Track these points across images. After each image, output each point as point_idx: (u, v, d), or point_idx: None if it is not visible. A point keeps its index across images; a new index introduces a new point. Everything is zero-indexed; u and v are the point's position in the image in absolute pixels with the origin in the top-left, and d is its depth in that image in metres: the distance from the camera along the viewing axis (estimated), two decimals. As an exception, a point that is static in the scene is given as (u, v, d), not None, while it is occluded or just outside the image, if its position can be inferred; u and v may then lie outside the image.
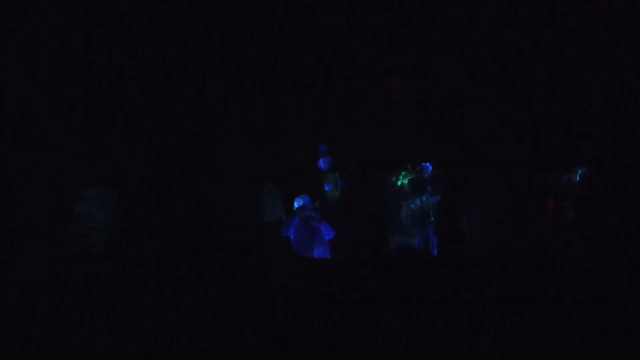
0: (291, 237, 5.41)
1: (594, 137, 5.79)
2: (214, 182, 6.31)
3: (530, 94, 6.27)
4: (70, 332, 3.36)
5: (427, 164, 6.15)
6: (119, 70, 6.11)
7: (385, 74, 6.79)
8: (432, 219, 5.98)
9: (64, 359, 3.19)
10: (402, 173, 6.15)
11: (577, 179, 5.56)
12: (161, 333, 3.36)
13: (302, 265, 4.46)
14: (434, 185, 6.07)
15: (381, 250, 5.94)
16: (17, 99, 5.53)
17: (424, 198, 5.97)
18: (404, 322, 3.41)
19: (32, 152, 5.45)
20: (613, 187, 5.20)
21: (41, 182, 5.38)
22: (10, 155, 5.34)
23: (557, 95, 6.16)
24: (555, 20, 6.09)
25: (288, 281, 4.02)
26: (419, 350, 3.22)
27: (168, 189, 5.96)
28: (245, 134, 6.60)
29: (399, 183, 6.14)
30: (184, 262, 4.57)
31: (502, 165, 6.20)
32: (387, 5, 6.45)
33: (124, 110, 6.11)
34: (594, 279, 3.89)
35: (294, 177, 6.50)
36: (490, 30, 6.29)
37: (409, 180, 6.09)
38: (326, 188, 6.31)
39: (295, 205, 5.62)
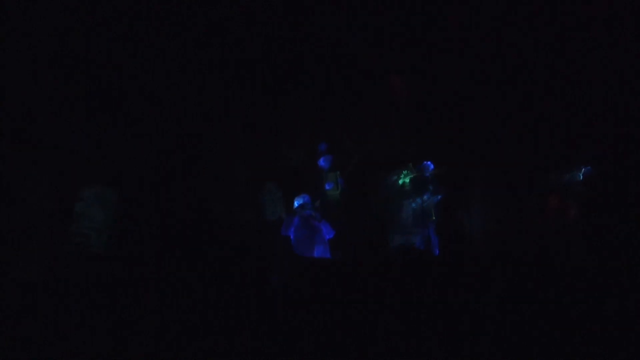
0: (291, 237, 5.40)
1: (594, 137, 5.79)
2: (214, 182, 6.31)
3: (530, 93, 6.27)
4: (70, 332, 3.36)
5: (429, 162, 6.13)
6: (119, 70, 6.11)
7: (385, 74, 6.79)
8: (434, 218, 5.95)
9: (64, 359, 3.19)
10: (404, 172, 6.12)
11: (581, 177, 5.52)
12: (161, 333, 3.35)
13: (302, 265, 4.45)
14: (436, 184, 6.04)
15: (381, 250, 5.93)
16: (17, 99, 5.53)
17: (425, 197, 5.94)
18: (404, 322, 3.41)
19: (32, 152, 5.45)
20: (613, 187, 5.20)
21: (41, 182, 5.38)
22: (10, 155, 5.34)
23: (557, 95, 6.16)
24: (555, 20, 6.09)
25: (288, 281, 4.01)
26: (419, 350, 3.22)
27: (168, 189, 5.95)
28: (245, 134, 6.59)
29: (400, 182, 6.11)
30: (184, 262, 4.56)
31: (503, 165, 6.20)
32: (387, 5, 6.46)
33: (124, 110, 6.11)
34: (594, 279, 3.89)
35: (294, 176, 6.50)
36: (490, 30, 6.29)
37: (411, 179, 6.06)
38: (327, 187, 6.31)
39: (296, 204, 5.62)
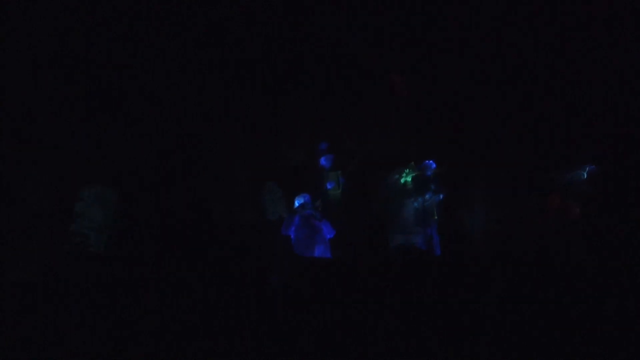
0: (291, 236, 5.40)
1: (596, 136, 5.78)
2: (214, 182, 6.31)
3: (531, 93, 6.27)
4: (70, 332, 3.36)
5: (431, 161, 6.10)
6: (119, 70, 6.11)
7: (385, 73, 6.79)
8: (436, 217, 5.92)
9: (64, 359, 3.19)
10: (405, 171, 6.10)
11: (585, 176, 5.48)
12: (161, 333, 3.35)
13: (302, 265, 4.45)
14: (438, 183, 6.01)
15: (382, 249, 5.92)
16: (17, 99, 5.53)
17: (427, 196, 5.91)
18: (404, 322, 3.41)
19: (32, 152, 5.45)
20: (617, 186, 5.19)
21: (41, 182, 5.39)
22: (10, 155, 5.34)
23: (559, 94, 6.16)
24: (555, 20, 6.09)
25: (288, 281, 4.01)
26: (419, 350, 3.22)
27: (168, 189, 5.95)
28: (245, 134, 6.59)
29: (402, 181, 6.08)
30: (184, 262, 4.56)
31: (505, 164, 6.18)
32: (387, 5, 6.46)
33: (124, 110, 6.11)
34: (594, 279, 3.89)
35: (295, 176, 6.49)
36: (490, 30, 6.29)
37: (412, 178, 6.02)
38: (328, 186, 6.30)
39: (296, 203, 5.62)
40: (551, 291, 3.63)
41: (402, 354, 3.19)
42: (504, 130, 6.32)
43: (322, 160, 6.44)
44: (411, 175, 6.05)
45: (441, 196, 5.97)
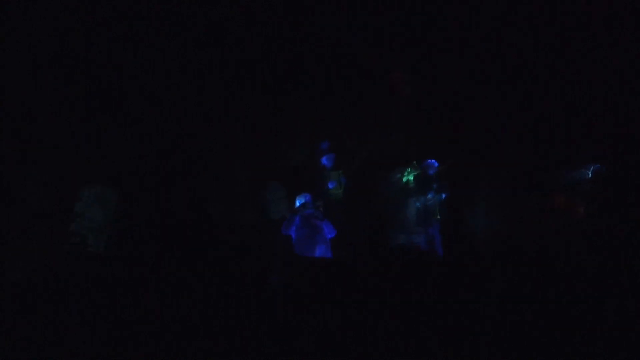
0: (292, 236, 5.40)
1: (596, 136, 5.78)
2: (214, 182, 6.30)
3: (532, 93, 6.26)
4: (70, 332, 3.36)
5: (433, 160, 6.07)
6: (119, 70, 6.11)
7: (385, 73, 6.78)
8: (438, 217, 5.89)
9: (64, 359, 3.19)
10: (407, 170, 6.06)
11: (590, 176, 5.45)
12: (161, 333, 3.35)
13: (302, 265, 4.45)
14: (440, 182, 5.97)
15: (382, 249, 5.91)
16: (17, 99, 5.53)
17: (429, 196, 5.88)
18: (404, 322, 3.41)
19: (32, 152, 5.45)
20: (621, 186, 5.18)
21: (41, 182, 5.38)
22: (10, 155, 5.34)
23: (558, 94, 6.15)
24: (555, 20, 6.09)
25: (288, 281, 4.01)
26: (419, 350, 3.22)
27: (168, 189, 5.95)
28: (245, 133, 6.59)
29: (404, 180, 6.05)
30: (184, 262, 4.56)
31: (508, 164, 6.17)
32: (387, 5, 6.46)
33: (124, 110, 6.11)
34: (594, 279, 3.89)
35: (296, 175, 6.48)
36: (490, 30, 6.29)
37: (414, 177, 5.99)
38: (329, 186, 6.28)
39: (297, 203, 5.62)
40: (551, 291, 3.63)
41: (402, 354, 3.19)
42: (505, 130, 6.31)
43: (324, 160, 6.42)
44: (413, 174, 6.01)
45: (443, 196, 5.93)
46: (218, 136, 6.48)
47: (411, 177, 5.99)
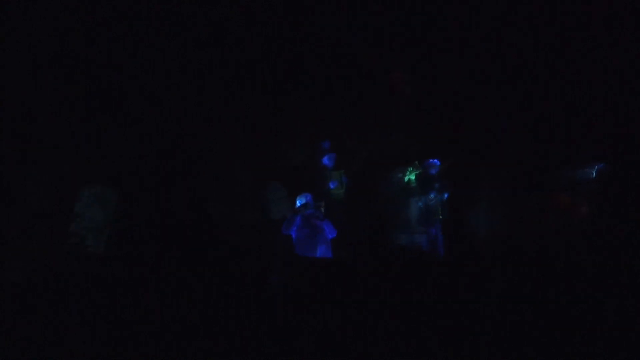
0: (293, 236, 5.40)
1: (596, 136, 5.77)
2: (214, 182, 6.30)
3: (532, 93, 6.26)
4: (70, 332, 3.36)
5: (435, 160, 6.05)
6: (119, 70, 6.11)
7: (386, 73, 6.78)
8: (440, 217, 5.87)
9: (63, 359, 3.19)
10: (409, 169, 6.03)
11: (594, 175, 5.43)
12: (161, 333, 3.35)
13: (302, 265, 4.45)
14: (442, 182, 5.95)
15: (383, 249, 5.90)
16: (17, 99, 5.53)
17: (431, 195, 5.86)
18: (404, 322, 3.41)
19: (32, 152, 5.45)
20: (615, 187, 5.18)
21: (41, 182, 5.38)
22: (10, 155, 5.34)
23: (558, 94, 6.15)
24: (555, 20, 6.09)
25: (288, 281, 4.01)
26: (419, 350, 3.21)
27: (168, 189, 5.95)
28: (246, 133, 6.59)
29: (406, 179, 6.02)
30: (184, 262, 4.56)
31: (508, 164, 6.16)
32: (387, 5, 6.46)
33: (124, 110, 6.11)
34: (594, 279, 3.89)
35: (297, 175, 6.48)
36: (490, 30, 6.29)
37: (416, 176, 5.96)
38: (331, 186, 6.27)
39: (298, 203, 5.62)
40: (551, 291, 3.63)
41: (402, 354, 3.19)
42: (505, 129, 6.31)
43: (325, 159, 6.41)
44: (415, 173, 5.99)
45: (446, 195, 5.91)
46: (218, 136, 6.48)
47: (412, 177, 5.97)
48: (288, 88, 6.68)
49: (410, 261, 4.57)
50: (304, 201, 5.59)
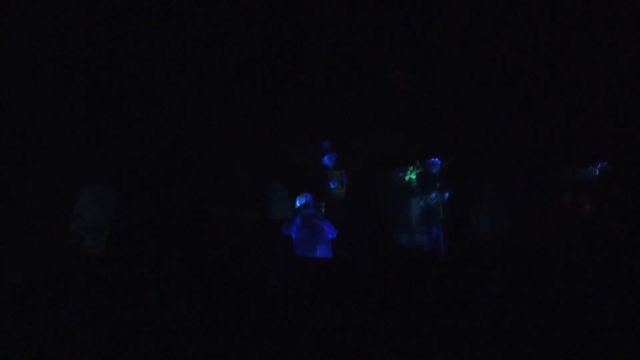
0: (293, 236, 5.40)
1: (596, 136, 5.77)
2: (214, 182, 6.30)
3: (532, 93, 6.27)
4: (70, 332, 3.36)
5: (436, 159, 5.99)
6: (119, 70, 6.11)
7: (386, 73, 6.79)
8: (441, 216, 5.83)
9: (63, 359, 3.19)
10: (410, 168, 6.00)
11: (597, 173, 5.40)
12: (161, 333, 3.35)
13: (302, 265, 4.45)
14: (443, 181, 5.91)
15: (383, 249, 5.90)
16: (17, 99, 5.53)
17: (432, 195, 5.82)
18: (404, 322, 3.41)
19: (32, 152, 5.45)
20: (615, 187, 5.18)
21: (41, 182, 5.38)
22: (10, 155, 5.34)
23: (558, 94, 6.16)
24: (555, 20, 6.09)
25: (288, 281, 4.01)
26: (419, 350, 3.21)
27: (168, 189, 5.95)
28: (246, 134, 6.59)
29: (407, 179, 5.99)
30: (184, 262, 4.56)
31: (508, 163, 6.15)
32: (387, 5, 6.46)
33: (124, 110, 6.11)
34: (594, 279, 3.89)
35: (297, 175, 6.47)
36: (490, 30, 6.29)
37: (417, 176, 5.92)
38: (331, 186, 6.26)
39: (298, 203, 5.62)
40: (551, 291, 3.63)
41: (402, 354, 3.18)
42: (505, 129, 6.31)
43: (325, 159, 6.40)
44: (416, 172, 5.95)
45: (447, 195, 5.87)
46: (218, 136, 6.48)
47: (413, 176, 5.95)
48: (288, 88, 6.68)
49: (411, 261, 4.57)
50: (304, 201, 5.58)
